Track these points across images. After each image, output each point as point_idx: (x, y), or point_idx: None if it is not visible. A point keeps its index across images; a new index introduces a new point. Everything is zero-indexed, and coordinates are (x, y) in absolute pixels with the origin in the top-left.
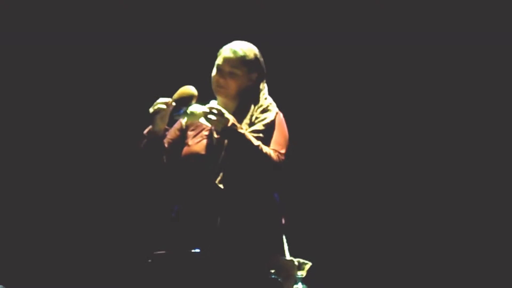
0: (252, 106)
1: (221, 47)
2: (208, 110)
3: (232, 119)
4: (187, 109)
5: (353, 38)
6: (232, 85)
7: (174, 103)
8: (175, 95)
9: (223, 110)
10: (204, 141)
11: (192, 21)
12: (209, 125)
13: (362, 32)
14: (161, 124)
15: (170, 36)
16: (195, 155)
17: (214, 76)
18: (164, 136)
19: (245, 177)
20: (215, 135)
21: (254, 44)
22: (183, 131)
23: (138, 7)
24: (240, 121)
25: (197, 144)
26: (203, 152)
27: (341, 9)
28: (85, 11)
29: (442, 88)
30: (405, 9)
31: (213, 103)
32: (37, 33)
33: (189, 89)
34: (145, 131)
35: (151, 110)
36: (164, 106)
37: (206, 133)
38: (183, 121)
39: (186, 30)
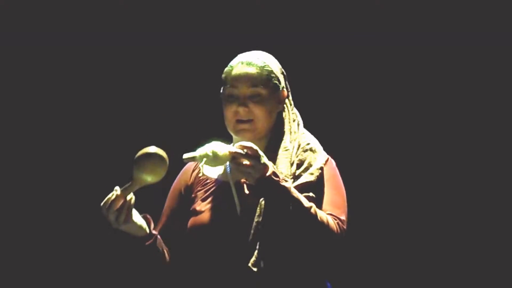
0: (290, 145)
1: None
2: (236, 150)
3: (272, 166)
4: (202, 152)
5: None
6: (260, 114)
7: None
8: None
9: (260, 152)
10: (221, 204)
11: (193, 21)
12: (229, 175)
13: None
14: (126, 223)
15: (170, 36)
16: (209, 227)
17: (229, 108)
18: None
19: (290, 256)
20: (246, 190)
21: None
22: (186, 193)
23: (138, 7)
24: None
25: (211, 210)
26: (221, 221)
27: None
28: (85, 11)
29: (442, 88)
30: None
31: (242, 142)
32: (37, 33)
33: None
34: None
35: (103, 209)
36: (116, 198)
37: (221, 191)
38: (199, 168)
39: (186, 30)
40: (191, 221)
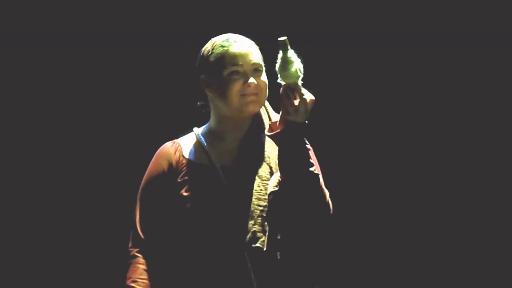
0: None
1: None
2: (301, 76)
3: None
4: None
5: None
6: (264, 86)
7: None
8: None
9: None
10: (210, 188)
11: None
12: (215, 159)
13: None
14: None
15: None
16: (204, 212)
17: (234, 85)
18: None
19: (295, 235)
20: (269, 157)
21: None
22: (169, 178)
23: (138, 7)
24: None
25: (201, 195)
26: (215, 205)
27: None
28: (85, 11)
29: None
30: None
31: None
32: (37, 33)
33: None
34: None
35: None
36: None
37: (207, 175)
38: (180, 150)
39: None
40: (184, 207)
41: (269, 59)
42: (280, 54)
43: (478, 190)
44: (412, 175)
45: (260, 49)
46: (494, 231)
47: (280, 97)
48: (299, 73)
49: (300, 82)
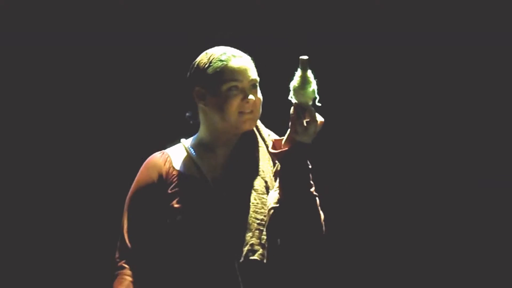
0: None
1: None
2: (316, 97)
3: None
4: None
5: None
6: (259, 103)
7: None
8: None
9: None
10: (202, 200)
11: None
12: (205, 171)
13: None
14: None
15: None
16: (196, 224)
17: (233, 101)
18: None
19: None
20: (272, 167)
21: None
22: (159, 189)
23: (138, 7)
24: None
25: (192, 207)
26: (206, 218)
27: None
28: (85, 11)
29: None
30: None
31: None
32: (37, 33)
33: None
34: None
35: None
36: None
37: (197, 187)
38: (170, 161)
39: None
40: (175, 219)
41: (269, 58)
42: (299, 73)
43: (478, 190)
44: (412, 175)
45: (259, 48)
46: (494, 231)
47: (290, 115)
48: (315, 94)
49: (311, 103)
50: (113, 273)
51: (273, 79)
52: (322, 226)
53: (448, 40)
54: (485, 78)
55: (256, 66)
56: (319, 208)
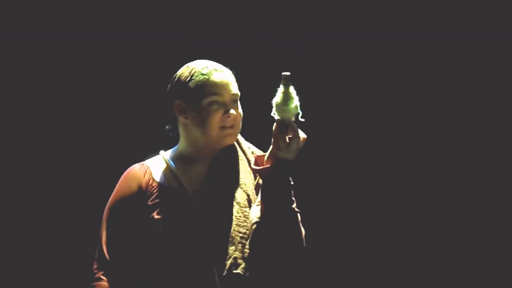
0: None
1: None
2: (299, 112)
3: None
4: (284, 91)
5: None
6: (239, 118)
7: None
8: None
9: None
10: (182, 212)
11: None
12: (186, 183)
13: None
14: None
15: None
16: (176, 236)
17: (215, 116)
18: None
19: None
20: (254, 181)
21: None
22: (139, 201)
23: (138, 7)
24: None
25: (173, 218)
26: (186, 229)
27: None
28: (85, 11)
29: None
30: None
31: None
32: (37, 33)
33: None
34: None
35: None
36: None
37: (178, 198)
38: (150, 173)
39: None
40: (156, 230)
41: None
42: (281, 89)
43: (478, 190)
44: (413, 175)
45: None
46: (493, 231)
47: (272, 131)
48: (297, 110)
49: (293, 119)
50: (90, 285)
51: (255, 94)
52: (303, 242)
53: (448, 40)
54: (485, 78)
55: (237, 80)
56: (300, 224)
